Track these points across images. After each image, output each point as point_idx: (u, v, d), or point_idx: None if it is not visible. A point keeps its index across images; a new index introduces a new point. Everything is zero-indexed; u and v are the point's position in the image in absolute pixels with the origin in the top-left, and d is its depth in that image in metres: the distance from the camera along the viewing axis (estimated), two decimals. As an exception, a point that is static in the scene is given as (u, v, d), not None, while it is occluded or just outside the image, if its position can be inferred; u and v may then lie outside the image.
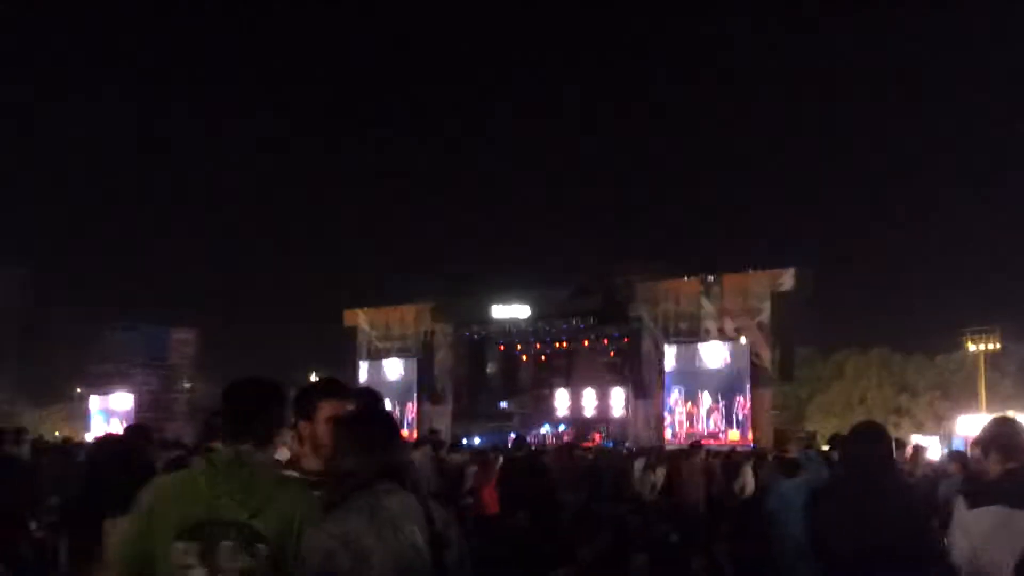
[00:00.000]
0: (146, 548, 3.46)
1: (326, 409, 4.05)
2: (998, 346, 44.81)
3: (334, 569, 3.10)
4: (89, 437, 48.50)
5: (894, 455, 5.42)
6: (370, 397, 4.76)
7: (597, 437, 44.65)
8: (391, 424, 3.85)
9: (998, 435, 5.40)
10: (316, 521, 3.33)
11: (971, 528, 5.05)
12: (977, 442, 5.76)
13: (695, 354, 42.22)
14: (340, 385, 4.34)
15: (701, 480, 18.43)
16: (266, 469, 3.59)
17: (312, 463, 3.99)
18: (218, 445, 3.89)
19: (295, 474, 3.92)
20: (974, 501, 5.13)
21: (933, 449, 34.51)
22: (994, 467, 5.31)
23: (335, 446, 3.69)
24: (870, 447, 5.28)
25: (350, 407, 4.06)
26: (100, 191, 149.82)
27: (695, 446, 20.49)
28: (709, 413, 41.64)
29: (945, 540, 5.37)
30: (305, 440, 4.07)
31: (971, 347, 45.33)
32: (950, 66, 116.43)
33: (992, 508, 5.04)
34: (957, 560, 5.10)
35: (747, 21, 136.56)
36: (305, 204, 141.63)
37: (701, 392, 41.70)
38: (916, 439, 38.02)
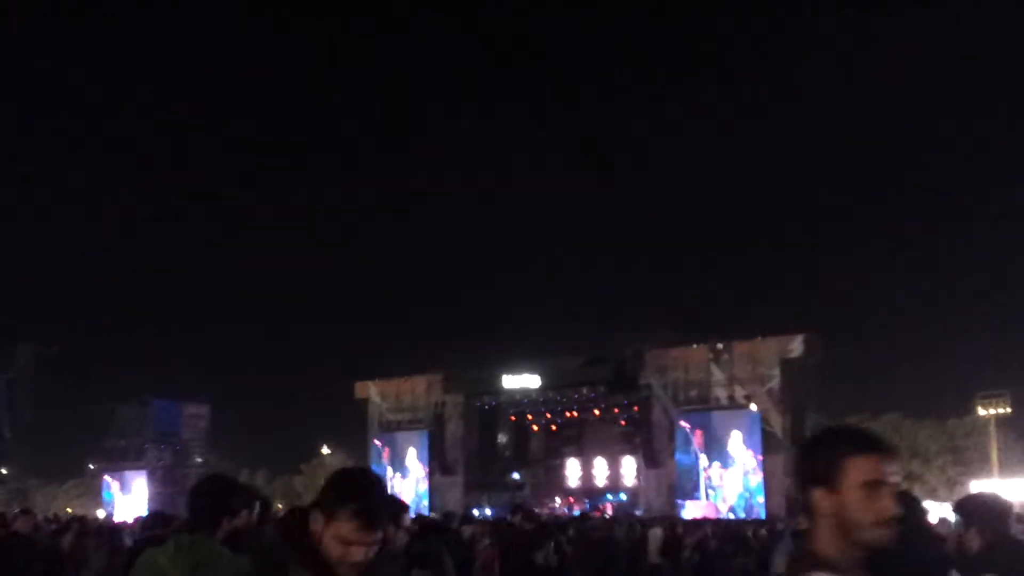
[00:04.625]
0: None
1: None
2: (1009, 410, 44.68)
3: None
4: (101, 514, 48.54)
5: (924, 524, 5.49)
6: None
7: (608, 508, 44.56)
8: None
9: (978, 512, 5.59)
10: None
11: None
12: (959, 513, 5.86)
13: (711, 421, 42.30)
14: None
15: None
16: (212, 550, 4.69)
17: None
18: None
19: None
20: (969, 573, 5.33)
21: (947, 515, 34.50)
22: (974, 541, 5.54)
23: None
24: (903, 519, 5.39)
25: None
26: (109, 266, 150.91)
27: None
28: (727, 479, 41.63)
29: None
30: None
31: (982, 411, 45.19)
32: (961, 132, 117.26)
33: None
34: None
35: (749, 79, 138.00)
36: (315, 275, 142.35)
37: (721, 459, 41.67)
38: (929, 505, 38.02)
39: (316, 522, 3.18)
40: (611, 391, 46.74)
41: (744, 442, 41.05)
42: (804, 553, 2.87)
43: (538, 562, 11.63)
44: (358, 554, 3.15)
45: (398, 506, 7.04)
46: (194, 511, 4.98)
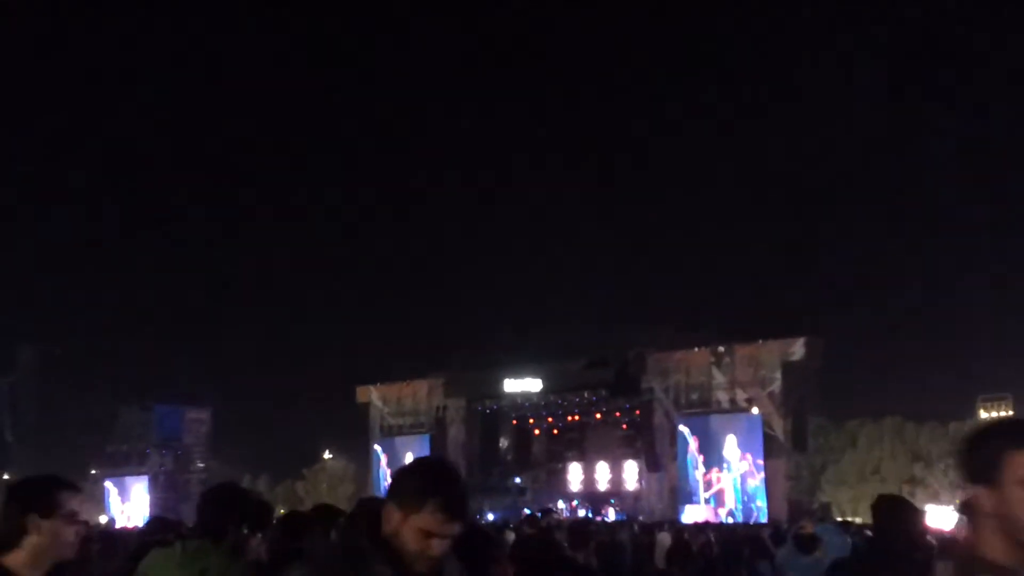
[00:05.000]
0: None
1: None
2: (1011, 412, 44.73)
3: None
4: (104, 519, 48.51)
5: (920, 531, 5.30)
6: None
7: (610, 511, 44.54)
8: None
9: None
10: None
11: None
12: (967, 512, 5.76)
13: (710, 425, 42.26)
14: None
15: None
16: (219, 557, 4.86)
17: None
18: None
19: None
20: (966, 572, 5.13)
21: (949, 518, 34.43)
22: None
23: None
24: (893, 522, 5.23)
25: None
26: (110, 267, 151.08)
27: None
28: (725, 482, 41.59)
29: None
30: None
31: (984, 414, 45.25)
32: (959, 134, 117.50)
33: None
34: None
35: (749, 79, 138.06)
36: (315, 276, 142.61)
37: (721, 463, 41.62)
38: (931, 508, 37.96)
39: (391, 517, 3.12)
40: (613, 394, 46.68)
41: (744, 446, 41.01)
42: (969, 558, 2.70)
43: (579, 561, 11.76)
44: (439, 547, 3.11)
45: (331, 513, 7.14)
46: (202, 518, 5.06)
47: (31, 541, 3.75)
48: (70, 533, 3.85)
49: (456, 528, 3.10)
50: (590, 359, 48.24)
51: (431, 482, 3.13)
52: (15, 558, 3.71)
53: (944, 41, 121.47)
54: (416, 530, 3.06)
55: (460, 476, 3.28)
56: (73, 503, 3.89)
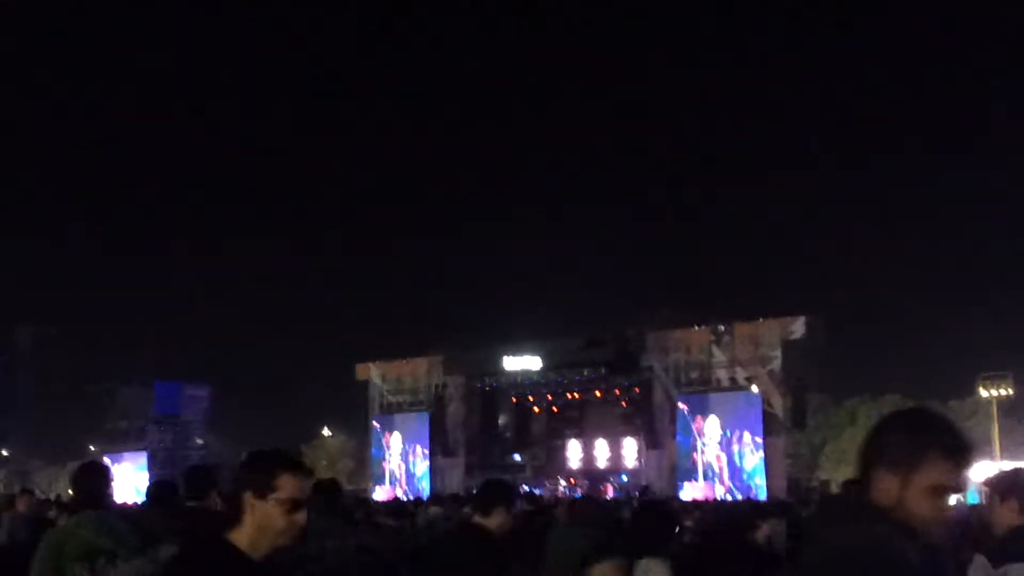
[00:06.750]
0: None
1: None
2: (1011, 392, 44.65)
3: None
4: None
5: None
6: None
7: (609, 489, 44.52)
8: None
9: (1018, 485, 5.02)
10: None
11: None
12: (992, 486, 5.23)
13: (709, 403, 42.15)
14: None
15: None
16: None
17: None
18: None
19: None
20: (1000, 558, 4.75)
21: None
22: (1008, 514, 4.96)
23: None
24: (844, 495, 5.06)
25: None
26: (111, 250, 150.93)
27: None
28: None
29: None
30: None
31: (984, 393, 45.15)
32: (962, 113, 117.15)
33: (1020, 566, 4.64)
34: None
35: (758, 81, 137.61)
36: (317, 257, 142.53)
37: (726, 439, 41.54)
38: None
39: (886, 486, 2.74)
40: (613, 372, 46.53)
41: (743, 424, 40.94)
42: None
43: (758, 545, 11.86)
44: (949, 503, 2.77)
45: (509, 490, 6.94)
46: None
47: (248, 520, 3.60)
48: (282, 520, 3.58)
49: (966, 476, 2.75)
50: (590, 337, 48.10)
51: (926, 430, 2.78)
52: (239, 535, 3.59)
53: (936, 19, 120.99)
54: (923, 489, 2.70)
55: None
56: (294, 488, 3.61)
